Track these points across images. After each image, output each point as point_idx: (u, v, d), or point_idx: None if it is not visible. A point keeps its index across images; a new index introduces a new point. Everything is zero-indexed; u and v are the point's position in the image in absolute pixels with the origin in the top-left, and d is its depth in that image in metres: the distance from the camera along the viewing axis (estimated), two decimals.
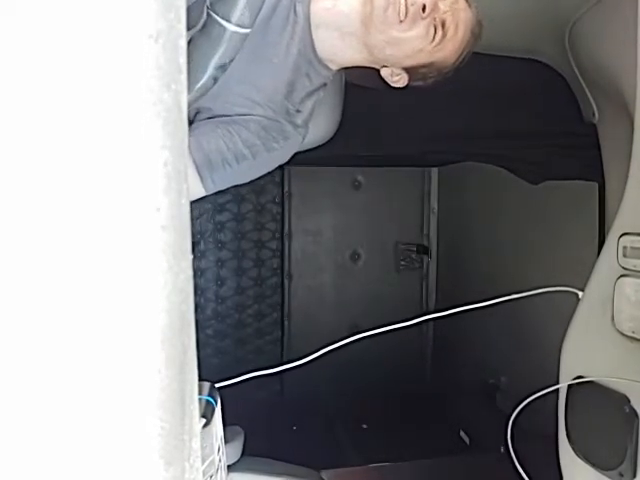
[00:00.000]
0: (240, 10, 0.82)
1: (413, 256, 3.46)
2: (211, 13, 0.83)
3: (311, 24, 1.06)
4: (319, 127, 1.27)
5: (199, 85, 0.87)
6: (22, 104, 0.27)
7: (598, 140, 1.61)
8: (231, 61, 0.88)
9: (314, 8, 1.06)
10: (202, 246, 3.23)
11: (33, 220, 0.28)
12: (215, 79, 0.88)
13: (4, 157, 0.27)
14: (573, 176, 1.98)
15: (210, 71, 0.86)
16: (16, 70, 0.27)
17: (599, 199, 1.82)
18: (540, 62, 1.71)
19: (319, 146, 1.40)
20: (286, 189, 3.29)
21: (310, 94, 1.11)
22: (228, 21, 0.83)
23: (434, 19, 1.01)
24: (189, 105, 0.92)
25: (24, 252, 0.28)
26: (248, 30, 0.85)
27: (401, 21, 0.99)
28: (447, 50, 1.06)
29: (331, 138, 1.45)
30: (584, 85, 1.62)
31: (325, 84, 1.15)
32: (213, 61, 0.85)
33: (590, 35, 1.51)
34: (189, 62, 0.90)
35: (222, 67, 0.88)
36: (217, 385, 0.64)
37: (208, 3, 0.83)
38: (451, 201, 3.36)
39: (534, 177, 2.17)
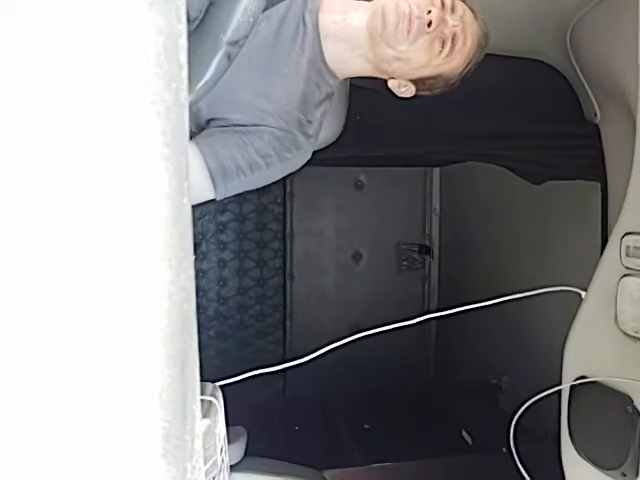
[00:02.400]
0: (234, 26, 0.82)
1: (415, 256, 3.46)
2: (207, 26, 0.83)
3: (320, 34, 1.07)
4: (325, 130, 1.27)
5: (214, 64, 0.86)
6: (22, 105, 0.27)
7: (600, 140, 1.61)
8: (225, 70, 0.87)
9: (323, 20, 1.07)
10: (204, 247, 3.23)
11: (33, 221, 0.28)
12: (229, 57, 0.87)
13: (4, 158, 0.27)
14: (575, 176, 1.98)
15: (206, 78, 0.86)
16: (17, 74, 0.27)
17: (602, 199, 1.81)
18: (542, 62, 1.71)
19: (322, 148, 1.40)
20: (288, 189, 3.29)
21: (319, 104, 1.12)
22: (223, 35, 0.83)
23: (441, 32, 1.02)
24: (202, 94, 0.90)
25: (27, 254, 0.28)
26: (242, 42, 0.85)
27: (408, 34, 1.00)
28: (455, 63, 1.07)
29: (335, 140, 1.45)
30: (586, 85, 1.62)
31: (332, 93, 1.15)
32: (209, 70, 0.85)
33: (592, 35, 1.51)
34: (200, 46, 0.88)
35: (235, 43, 0.87)
36: (219, 384, 0.64)
37: (202, 15, 0.83)
38: (453, 201, 3.36)
39: (536, 177, 2.16)
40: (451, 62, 1.07)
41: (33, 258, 0.28)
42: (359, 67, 1.12)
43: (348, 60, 1.10)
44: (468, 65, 1.10)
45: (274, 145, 1.05)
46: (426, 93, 1.15)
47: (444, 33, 1.02)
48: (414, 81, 1.12)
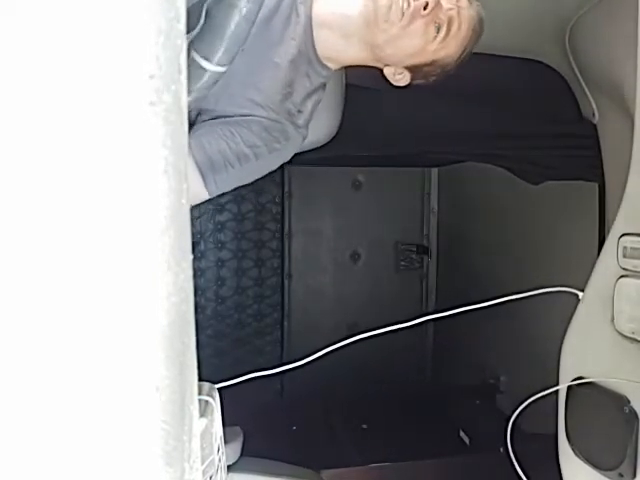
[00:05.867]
0: (221, 52, 0.83)
1: (413, 256, 3.46)
2: (192, 52, 0.83)
3: (313, 24, 1.06)
4: (320, 128, 1.27)
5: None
6: (22, 106, 0.27)
7: (598, 140, 1.61)
8: (208, 92, 0.88)
9: (316, 9, 1.06)
10: (202, 246, 3.23)
11: (33, 221, 0.28)
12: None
13: (4, 157, 0.27)
14: (573, 176, 1.98)
15: (190, 98, 0.87)
16: (17, 72, 0.27)
17: (599, 199, 1.82)
18: (540, 62, 1.71)
19: (320, 147, 1.40)
20: (286, 189, 3.29)
21: (310, 94, 1.12)
22: (208, 61, 0.83)
23: (436, 16, 1.01)
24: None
25: (26, 255, 0.28)
26: (225, 68, 0.85)
27: (402, 16, 0.99)
28: (450, 48, 1.06)
29: (332, 139, 1.45)
30: (584, 85, 1.62)
31: (324, 84, 1.15)
32: (192, 93, 0.86)
33: (590, 35, 1.51)
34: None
35: (202, 96, 0.88)
36: (217, 386, 0.64)
37: (190, 41, 0.83)
38: (451, 201, 3.36)
39: (534, 177, 2.17)
40: (446, 47, 1.06)
41: (32, 263, 0.28)
42: (354, 55, 1.11)
43: (343, 48, 1.09)
44: (463, 52, 1.09)
45: (262, 135, 1.05)
46: (421, 81, 1.14)
47: (439, 17, 1.02)
48: (409, 68, 1.11)
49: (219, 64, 0.83)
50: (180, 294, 0.32)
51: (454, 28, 1.04)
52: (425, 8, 0.99)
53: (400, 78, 1.13)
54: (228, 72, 0.95)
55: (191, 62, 0.83)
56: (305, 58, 1.08)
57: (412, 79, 1.13)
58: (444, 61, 1.09)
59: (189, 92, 0.84)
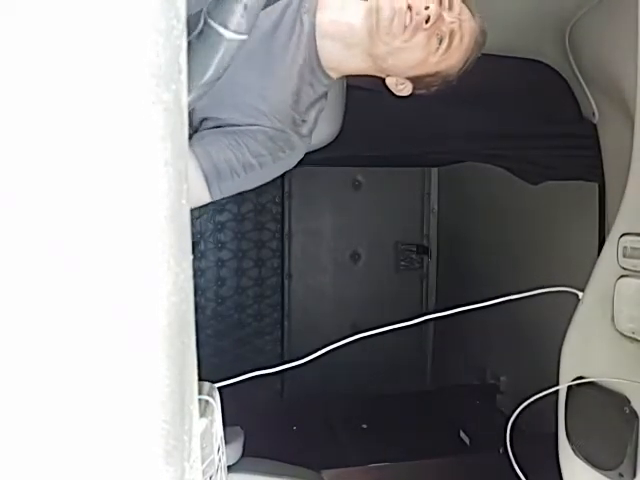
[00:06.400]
0: (238, 17, 0.81)
1: (413, 256, 3.47)
2: (208, 20, 0.81)
3: (317, 34, 1.07)
4: (321, 130, 1.27)
5: (201, 83, 0.86)
6: (22, 108, 0.27)
7: (598, 140, 1.61)
8: (227, 67, 0.86)
9: (320, 19, 1.07)
10: (202, 246, 3.23)
11: (33, 221, 0.28)
12: (212, 84, 0.87)
13: (4, 158, 0.27)
14: (573, 176, 1.98)
15: (208, 75, 0.85)
16: (16, 75, 0.27)
17: (599, 199, 1.82)
18: (540, 62, 1.71)
19: (321, 147, 1.40)
20: (286, 189, 3.29)
21: (314, 103, 1.12)
22: (226, 28, 0.81)
23: (439, 29, 1.02)
24: (188, 106, 0.89)
25: (25, 255, 0.28)
26: (245, 36, 0.83)
27: (404, 29, 1.00)
28: (452, 60, 1.08)
29: (333, 139, 1.45)
30: (584, 85, 1.62)
31: (326, 93, 1.16)
32: (211, 68, 0.84)
33: (590, 35, 1.51)
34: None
35: (222, 71, 0.86)
36: (217, 385, 0.64)
37: (205, 10, 0.82)
38: (451, 201, 3.36)
39: (534, 177, 2.17)
40: (448, 59, 1.07)
41: (31, 263, 0.28)
42: (356, 66, 1.12)
43: (345, 59, 1.10)
44: (465, 63, 1.10)
45: (267, 145, 1.05)
46: (423, 91, 1.15)
47: (441, 30, 1.02)
48: (411, 79, 1.12)
49: (236, 31, 0.80)
50: (180, 294, 0.32)
51: (456, 40, 1.04)
52: (427, 21, 0.99)
53: (402, 88, 1.14)
54: (235, 80, 0.95)
55: (208, 30, 0.81)
56: (309, 67, 1.09)
57: (414, 89, 1.14)
58: (446, 72, 1.10)
59: (211, 60, 0.82)
